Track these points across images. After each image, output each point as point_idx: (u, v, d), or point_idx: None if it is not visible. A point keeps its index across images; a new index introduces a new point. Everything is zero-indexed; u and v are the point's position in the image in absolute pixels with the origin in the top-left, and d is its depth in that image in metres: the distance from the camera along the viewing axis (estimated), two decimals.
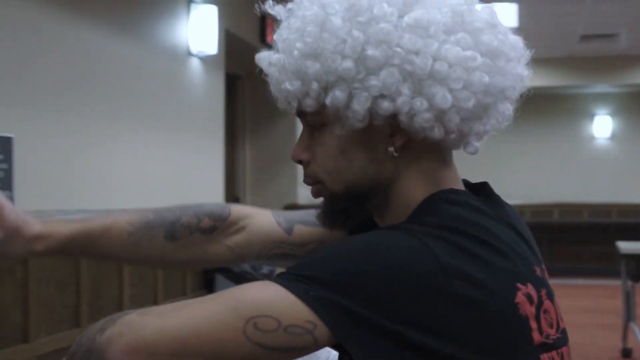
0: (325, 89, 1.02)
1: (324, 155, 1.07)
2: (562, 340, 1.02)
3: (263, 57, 1.09)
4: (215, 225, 1.31)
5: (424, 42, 0.99)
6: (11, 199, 3.40)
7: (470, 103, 1.00)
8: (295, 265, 0.94)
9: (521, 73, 1.06)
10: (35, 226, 1.20)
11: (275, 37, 1.08)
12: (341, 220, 1.10)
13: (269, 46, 1.11)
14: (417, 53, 0.99)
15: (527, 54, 1.08)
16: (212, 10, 5.37)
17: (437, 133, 1.02)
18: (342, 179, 1.06)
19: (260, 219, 1.34)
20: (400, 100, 1.00)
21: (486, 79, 1.00)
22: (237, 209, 1.34)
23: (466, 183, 1.11)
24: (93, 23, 4.18)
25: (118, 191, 4.35)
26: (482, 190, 1.09)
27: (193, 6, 5.28)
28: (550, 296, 1.02)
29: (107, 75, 4.30)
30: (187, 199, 5.09)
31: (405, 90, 0.99)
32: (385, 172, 1.05)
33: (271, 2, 1.10)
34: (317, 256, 0.95)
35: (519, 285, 0.96)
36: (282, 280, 0.92)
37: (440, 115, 1.00)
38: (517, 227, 1.05)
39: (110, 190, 4.28)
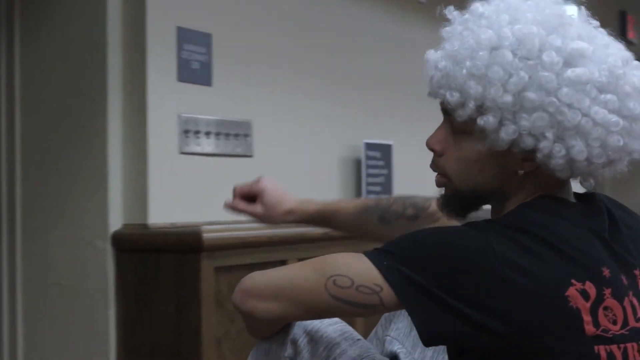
0: (480, 109, 1.14)
1: (459, 159, 1.21)
2: (628, 337, 1.11)
3: (431, 59, 1.21)
4: (417, 214, 1.61)
5: (577, 97, 1.10)
6: None
7: (602, 160, 1.13)
8: (383, 244, 1.16)
9: None
10: (289, 203, 1.67)
11: (445, 35, 1.21)
12: (459, 212, 1.26)
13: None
14: (569, 106, 1.10)
15: None
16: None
17: (564, 175, 1.16)
18: (470, 182, 1.21)
19: None
20: (543, 143, 1.12)
21: (621, 142, 1.13)
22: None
23: (577, 194, 1.24)
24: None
25: None
26: (587, 199, 1.22)
27: None
28: (618, 296, 1.11)
29: None
30: None
31: (550, 135, 1.12)
32: (509, 187, 1.19)
33: (450, 6, 1.23)
34: (399, 238, 1.17)
35: (574, 281, 1.09)
36: (366, 252, 1.15)
37: (572, 162, 1.13)
38: (605, 235, 1.15)
39: None
